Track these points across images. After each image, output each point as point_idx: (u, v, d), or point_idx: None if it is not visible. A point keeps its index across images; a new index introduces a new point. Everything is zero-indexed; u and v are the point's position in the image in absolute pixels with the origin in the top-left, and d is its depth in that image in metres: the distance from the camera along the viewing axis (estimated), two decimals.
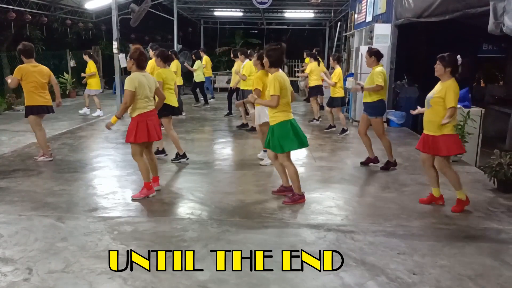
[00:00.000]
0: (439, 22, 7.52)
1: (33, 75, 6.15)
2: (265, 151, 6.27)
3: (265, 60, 4.70)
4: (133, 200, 4.78)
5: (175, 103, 6.46)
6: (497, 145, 6.90)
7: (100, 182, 5.46)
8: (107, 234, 3.86)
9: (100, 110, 10.95)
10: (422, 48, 11.43)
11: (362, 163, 6.39)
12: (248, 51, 9.53)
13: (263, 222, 4.22)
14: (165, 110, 6.02)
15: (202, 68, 12.74)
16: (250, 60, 8.79)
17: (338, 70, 8.73)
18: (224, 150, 7.54)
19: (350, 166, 6.45)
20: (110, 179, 5.65)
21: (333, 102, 8.86)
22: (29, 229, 3.95)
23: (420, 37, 10.88)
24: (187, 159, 6.44)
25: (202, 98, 13.02)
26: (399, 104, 9.99)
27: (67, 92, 14.86)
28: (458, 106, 6.93)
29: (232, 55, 10.28)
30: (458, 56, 4.46)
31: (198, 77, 12.64)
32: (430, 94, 4.60)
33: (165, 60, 6.52)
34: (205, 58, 13.52)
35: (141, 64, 4.82)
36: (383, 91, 6.09)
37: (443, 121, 4.32)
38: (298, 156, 7.06)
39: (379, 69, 6.02)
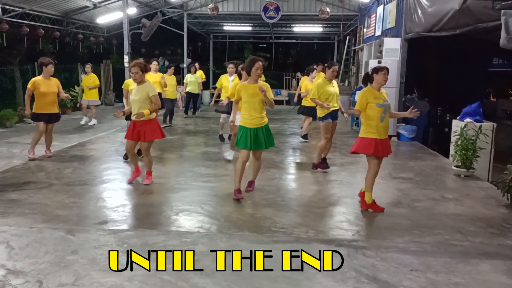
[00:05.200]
0: (449, 37, 7.51)
1: None
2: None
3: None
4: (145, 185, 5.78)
5: None
6: (509, 160, 6.80)
7: (110, 195, 5.47)
8: (117, 247, 3.84)
9: (95, 119, 11.65)
10: (433, 62, 11.40)
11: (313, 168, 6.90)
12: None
13: (273, 236, 4.18)
14: None
15: (193, 81, 12.87)
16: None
17: (307, 82, 9.20)
18: (232, 163, 7.51)
19: (360, 180, 6.38)
20: (120, 191, 5.66)
21: (304, 110, 9.30)
22: (39, 241, 3.95)
23: (430, 51, 10.86)
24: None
25: (192, 109, 13.68)
26: (409, 118, 9.93)
27: (77, 105, 15.01)
28: (470, 120, 6.96)
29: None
30: None
31: (192, 89, 13.13)
32: (386, 102, 4.88)
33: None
34: (200, 72, 13.54)
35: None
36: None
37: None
38: (307, 170, 7.03)
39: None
